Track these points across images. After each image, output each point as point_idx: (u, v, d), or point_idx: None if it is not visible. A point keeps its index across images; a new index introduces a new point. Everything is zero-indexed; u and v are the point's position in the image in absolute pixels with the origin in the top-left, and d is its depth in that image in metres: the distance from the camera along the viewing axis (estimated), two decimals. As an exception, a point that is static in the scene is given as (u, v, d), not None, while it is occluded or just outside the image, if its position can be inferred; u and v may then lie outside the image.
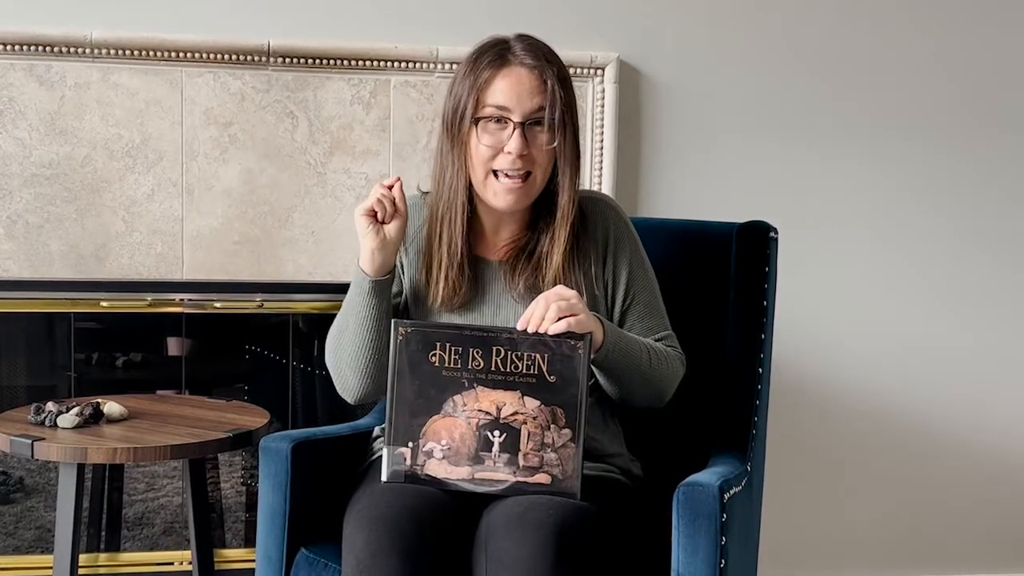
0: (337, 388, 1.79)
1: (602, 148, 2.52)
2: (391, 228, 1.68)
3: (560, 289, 1.62)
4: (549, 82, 1.66)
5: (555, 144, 1.68)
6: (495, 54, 1.68)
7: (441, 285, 1.72)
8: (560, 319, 1.58)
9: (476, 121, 1.67)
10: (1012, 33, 2.69)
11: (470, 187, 1.72)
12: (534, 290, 1.70)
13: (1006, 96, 2.71)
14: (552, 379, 1.60)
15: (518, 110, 1.66)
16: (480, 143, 1.67)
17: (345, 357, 1.73)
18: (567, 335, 1.59)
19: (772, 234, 1.93)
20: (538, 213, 1.75)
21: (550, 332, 1.58)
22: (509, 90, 1.66)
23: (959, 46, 2.68)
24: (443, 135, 1.73)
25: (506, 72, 1.67)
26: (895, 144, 2.67)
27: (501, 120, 1.67)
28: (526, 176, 1.68)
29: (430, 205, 1.76)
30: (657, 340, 1.77)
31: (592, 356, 1.62)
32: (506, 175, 1.67)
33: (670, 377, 1.76)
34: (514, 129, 1.66)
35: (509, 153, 1.66)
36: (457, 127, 1.69)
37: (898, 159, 2.68)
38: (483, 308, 1.75)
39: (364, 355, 1.72)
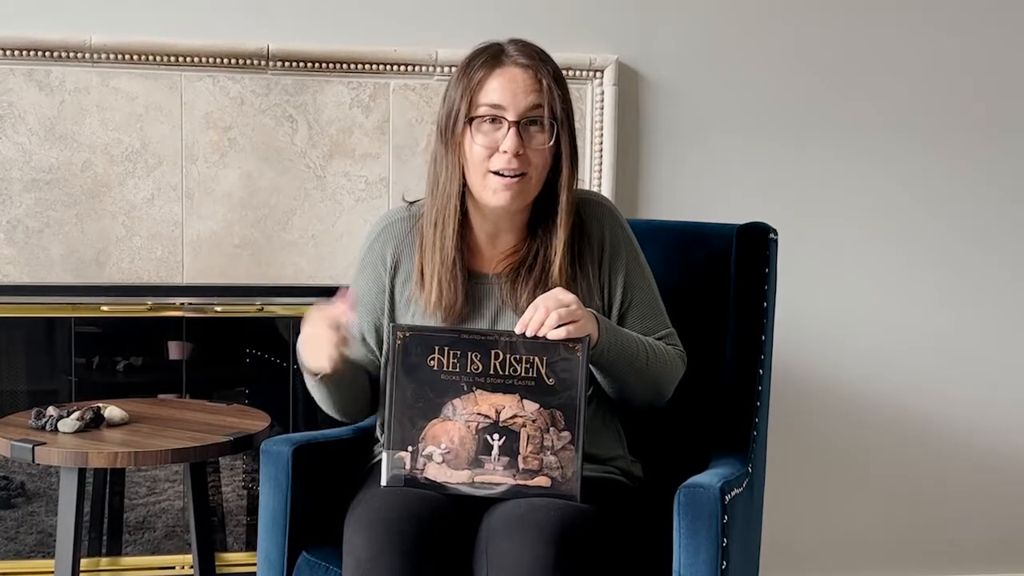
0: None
1: (601, 150, 2.52)
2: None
3: (559, 294, 1.60)
4: (544, 80, 1.64)
5: (551, 143, 1.66)
6: (488, 56, 1.66)
7: (434, 295, 1.70)
8: (560, 326, 1.57)
9: (470, 121, 1.65)
10: (1012, 33, 2.69)
11: (463, 193, 1.69)
12: None
13: (1006, 96, 2.70)
14: (551, 382, 1.59)
15: (512, 108, 1.63)
16: (475, 143, 1.65)
17: (327, 409, 1.77)
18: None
19: (772, 235, 1.93)
20: (536, 218, 1.73)
21: (549, 338, 1.57)
22: (503, 88, 1.63)
23: (958, 46, 2.67)
24: (437, 140, 1.70)
25: (500, 72, 1.64)
26: (895, 144, 2.67)
27: (496, 120, 1.64)
28: (522, 175, 1.66)
29: (424, 213, 1.74)
30: (658, 339, 1.76)
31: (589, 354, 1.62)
32: (502, 174, 1.65)
33: (669, 374, 1.75)
34: (509, 128, 1.63)
35: (505, 152, 1.63)
36: (451, 130, 1.67)
37: (898, 159, 2.68)
38: (479, 323, 1.73)
39: (342, 411, 1.77)
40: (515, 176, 1.65)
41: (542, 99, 1.64)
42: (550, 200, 1.71)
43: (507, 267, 1.74)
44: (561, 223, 1.70)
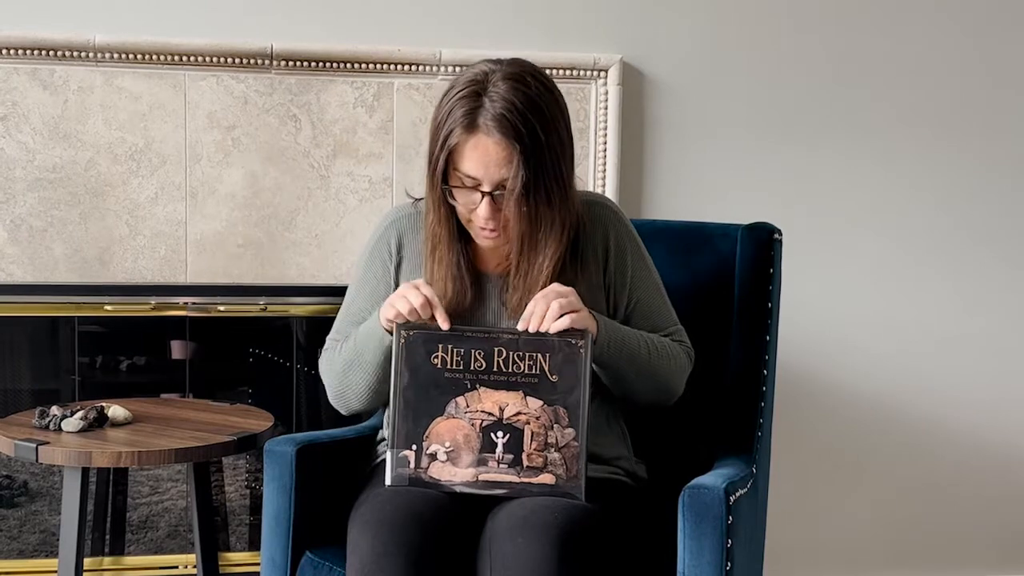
0: (332, 402, 1.81)
1: (605, 150, 2.51)
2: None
3: (556, 287, 1.62)
4: (515, 159, 1.59)
5: (525, 209, 1.62)
6: (467, 112, 1.60)
7: (438, 293, 1.70)
8: (562, 315, 1.58)
9: (448, 184, 1.64)
10: (1014, 34, 2.69)
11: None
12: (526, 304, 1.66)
13: (1012, 95, 2.70)
14: (554, 378, 1.60)
15: (487, 180, 1.61)
16: (456, 202, 1.66)
17: (354, 390, 1.75)
18: (567, 333, 1.59)
19: (776, 235, 1.93)
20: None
21: (552, 330, 1.58)
22: (477, 162, 1.61)
23: (962, 46, 2.67)
24: (427, 166, 1.68)
25: (474, 143, 1.60)
26: (899, 144, 2.67)
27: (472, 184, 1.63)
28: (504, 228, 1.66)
29: (427, 211, 1.74)
30: (665, 335, 1.77)
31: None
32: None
33: (673, 370, 1.75)
34: (483, 197, 1.62)
35: (480, 215, 1.64)
36: (432, 176, 1.66)
37: (902, 159, 2.67)
38: (483, 320, 1.73)
39: (375, 393, 1.74)
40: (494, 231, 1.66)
41: (510, 173, 1.60)
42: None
43: (508, 266, 1.74)
44: (553, 246, 1.68)
